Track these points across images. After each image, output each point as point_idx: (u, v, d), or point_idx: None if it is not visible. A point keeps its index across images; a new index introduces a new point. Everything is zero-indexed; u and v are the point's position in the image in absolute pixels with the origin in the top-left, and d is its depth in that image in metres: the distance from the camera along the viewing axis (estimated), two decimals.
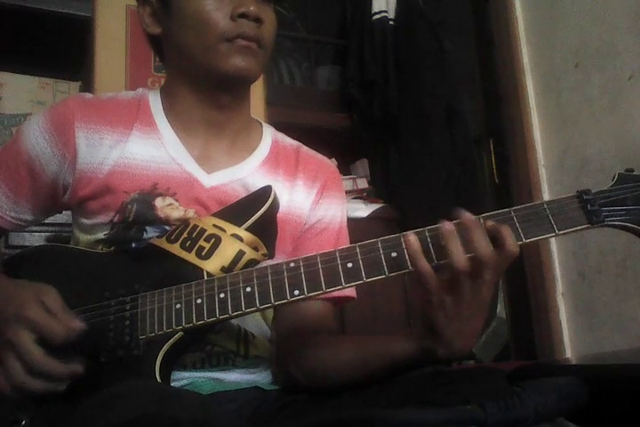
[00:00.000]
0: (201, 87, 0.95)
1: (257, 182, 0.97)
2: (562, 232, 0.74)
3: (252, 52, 0.90)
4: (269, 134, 1.05)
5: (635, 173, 0.78)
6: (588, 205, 0.74)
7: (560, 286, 2.14)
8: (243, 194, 0.95)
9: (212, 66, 0.91)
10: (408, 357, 0.78)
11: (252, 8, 0.89)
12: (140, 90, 1.02)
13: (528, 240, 0.74)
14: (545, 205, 0.75)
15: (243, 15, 0.89)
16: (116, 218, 0.91)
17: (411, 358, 0.78)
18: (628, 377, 1.03)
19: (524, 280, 2.24)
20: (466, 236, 0.71)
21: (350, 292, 1.00)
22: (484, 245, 0.70)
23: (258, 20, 0.90)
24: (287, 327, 0.97)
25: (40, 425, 0.76)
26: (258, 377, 0.94)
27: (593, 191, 0.76)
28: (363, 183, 2.32)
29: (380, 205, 2.21)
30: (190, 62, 0.94)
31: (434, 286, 0.72)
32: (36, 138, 0.93)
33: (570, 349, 2.08)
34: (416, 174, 2.17)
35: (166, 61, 1.01)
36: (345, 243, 1.03)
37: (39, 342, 0.75)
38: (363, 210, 2.15)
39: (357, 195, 2.27)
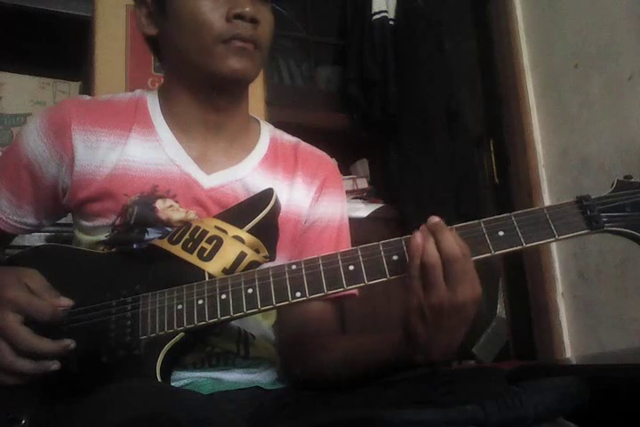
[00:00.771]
0: (198, 89, 0.95)
1: (256, 182, 0.97)
2: (562, 237, 0.75)
3: (247, 53, 0.90)
4: (267, 132, 1.05)
5: (633, 179, 0.78)
6: (588, 211, 0.75)
7: (560, 287, 2.14)
8: (242, 194, 0.95)
9: (208, 68, 0.90)
10: (387, 359, 0.78)
11: (247, 9, 0.88)
12: (137, 91, 1.02)
13: (528, 245, 0.75)
14: (545, 211, 0.76)
15: (238, 16, 0.88)
16: (118, 221, 0.91)
17: (389, 360, 0.78)
18: (628, 377, 1.03)
19: (523, 280, 2.24)
20: (435, 236, 0.72)
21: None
22: (449, 241, 0.71)
23: (254, 21, 0.89)
24: (291, 330, 0.98)
25: (40, 424, 0.76)
26: (258, 377, 0.94)
27: (592, 197, 0.76)
28: (363, 183, 2.32)
29: (380, 205, 2.21)
30: (187, 64, 0.93)
31: (417, 287, 0.72)
32: (34, 141, 0.93)
33: (570, 349, 2.08)
34: (416, 174, 2.17)
35: (163, 62, 1.01)
36: (346, 240, 1.04)
37: (26, 324, 0.76)
38: (363, 210, 2.15)
39: (357, 195, 2.27)
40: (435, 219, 0.75)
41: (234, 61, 0.89)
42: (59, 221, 1.14)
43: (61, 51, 1.88)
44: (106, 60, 1.79)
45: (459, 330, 0.74)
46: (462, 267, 0.71)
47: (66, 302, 0.80)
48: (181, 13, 0.91)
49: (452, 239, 0.72)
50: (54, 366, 0.76)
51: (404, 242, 0.76)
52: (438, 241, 0.72)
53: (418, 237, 0.73)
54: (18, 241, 1.48)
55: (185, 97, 0.96)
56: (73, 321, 0.81)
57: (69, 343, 0.76)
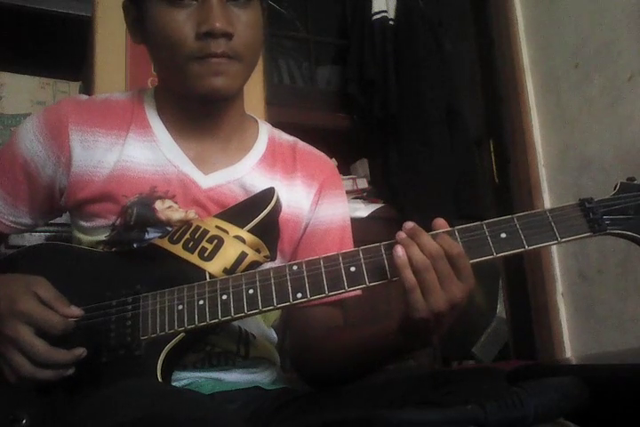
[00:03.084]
0: (185, 99, 0.93)
1: (255, 182, 0.96)
2: (564, 240, 0.75)
3: (223, 69, 0.86)
4: (265, 132, 1.04)
5: (636, 181, 0.78)
6: (591, 214, 0.75)
7: (560, 286, 2.13)
8: (240, 194, 0.95)
9: (186, 86, 0.88)
10: (386, 347, 0.81)
11: (217, 25, 0.83)
12: (134, 90, 1.02)
13: (531, 247, 0.75)
14: (548, 213, 0.76)
15: (207, 34, 0.84)
16: (118, 221, 0.91)
17: (388, 348, 0.81)
18: (628, 377, 1.03)
19: (524, 280, 2.24)
20: (415, 240, 0.74)
21: None
22: (429, 242, 0.73)
23: (226, 35, 0.85)
24: (299, 335, 0.99)
25: (40, 424, 0.76)
26: (258, 377, 0.95)
27: (595, 200, 0.76)
28: (363, 183, 2.32)
29: (380, 205, 2.20)
30: (169, 78, 0.93)
31: (417, 298, 0.72)
32: (30, 141, 0.92)
33: (570, 349, 2.08)
34: (416, 174, 2.17)
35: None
36: (349, 241, 1.03)
37: (39, 334, 0.76)
38: (363, 210, 2.14)
39: (357, 195, 2.27)
40: (409, 224, 0.76)
41: (210, 80, 0.86)
42: (59, 221, 1.13)
43: (61, 51, 1.88)
44: (106, 60, 1.79)
45: (453, 317, 0.75)
46: (453, 265, 0.73)
47: (77, 311, 0.80)
48: (155, 29, 0.88)
49: (431, 241, 0.73)
50: (70, 371, 0.77)
51: None
52: (420, 245, 0.73)
53: (399, 249, 0.74)
54: (18, 241, 1.49)
55: (175, 103, 0.95)
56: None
57: (82, 352, 0.77)
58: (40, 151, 0.92)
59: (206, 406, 0.64)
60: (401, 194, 2.18)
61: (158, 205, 0.91)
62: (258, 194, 0.91)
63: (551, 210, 0.76)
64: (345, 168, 2.32)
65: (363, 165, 2.40)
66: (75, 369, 0.77)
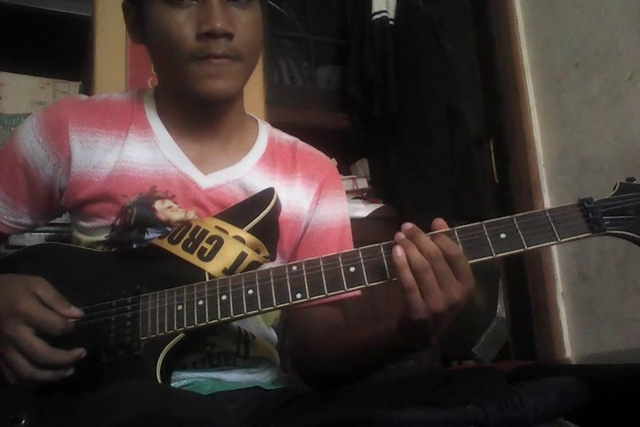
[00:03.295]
0: (184, 99, 0.93)
1: (254, 182, 0.96)
2: (564, 240, 0.75)
3: (223, 70, 0.86)
4: (265, 132, 1.04)
5: (635, 182, 0.78)
6: (590, 214, 0.75)
7: (560, 286, 2.13)
8: (240, 194, 0.95)
9: (186, 87, 0.88)
10: (387, 346, 0.82)
11: (218, 25, 0.83)
12: (134, 91, 1.02)
13: (530, 248, 0.75)
14: (547, 213, 0.76)
15: (208, 34, 0.83)
16: (117, 222, 0.91)
17: (388, 347, 0.82)
18: (628, 377, 1.03)
19: (523, 280, 2.24)
20: (414, 241, 0.74)
21: None
22: (428, 243, 0.73)
23: (227, 35, 0.85)
24: (299, 335, 0.99)
25: (40, 424, 0.76)
26: (258, 377, 0.95)
27: (595, 200, 0.76)
28: (363, 183, 2.32)
29: (380, 205, 2.21)
30: (169, 79, 0.93)
31: (416, 299, 0.73)
32: (30, 141, 0.92)
33: (570, 349, 2.08)
34: (416, 174, 2.17)
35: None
36: (349, 241, 1.03)
37: (38, 334, 0.76)
38: (363, 210, 2.15)
39: (357, 195, 2.27)
40: (408, 225, 0.76)
41: (211, 82, 0.86)
42: (59, 221, 1.13)
43: (61, 51, 1.88)
44: (106, 60, 1.79)
45: (452, 317, 0.75)
46: (452, 266, 0.73)
47: (77, 312, 0.80)
48: (155, 29, 0.87)
49: (430, 242, 0.73)
50: (69, 371, 0.77)
51: None
52: (419, 246, 0.73)
53: (398, 250, 0.74)
54: (18, 241, 1.49)
55: (174, 103, 0.95)
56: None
57: (81, 353, 0.78)
58: (40, 152, 0.92)
59: (206, 406, 0.64)
60: (401, 194, 2.18)
61: (158, 205, 0.91)
62: (257, 194, 0.91)
63: (551, 210, 0.76)
64: (345, 168, 2.32)
65: (363, 165, 2.40)
66: (74, 370, 0.77)
